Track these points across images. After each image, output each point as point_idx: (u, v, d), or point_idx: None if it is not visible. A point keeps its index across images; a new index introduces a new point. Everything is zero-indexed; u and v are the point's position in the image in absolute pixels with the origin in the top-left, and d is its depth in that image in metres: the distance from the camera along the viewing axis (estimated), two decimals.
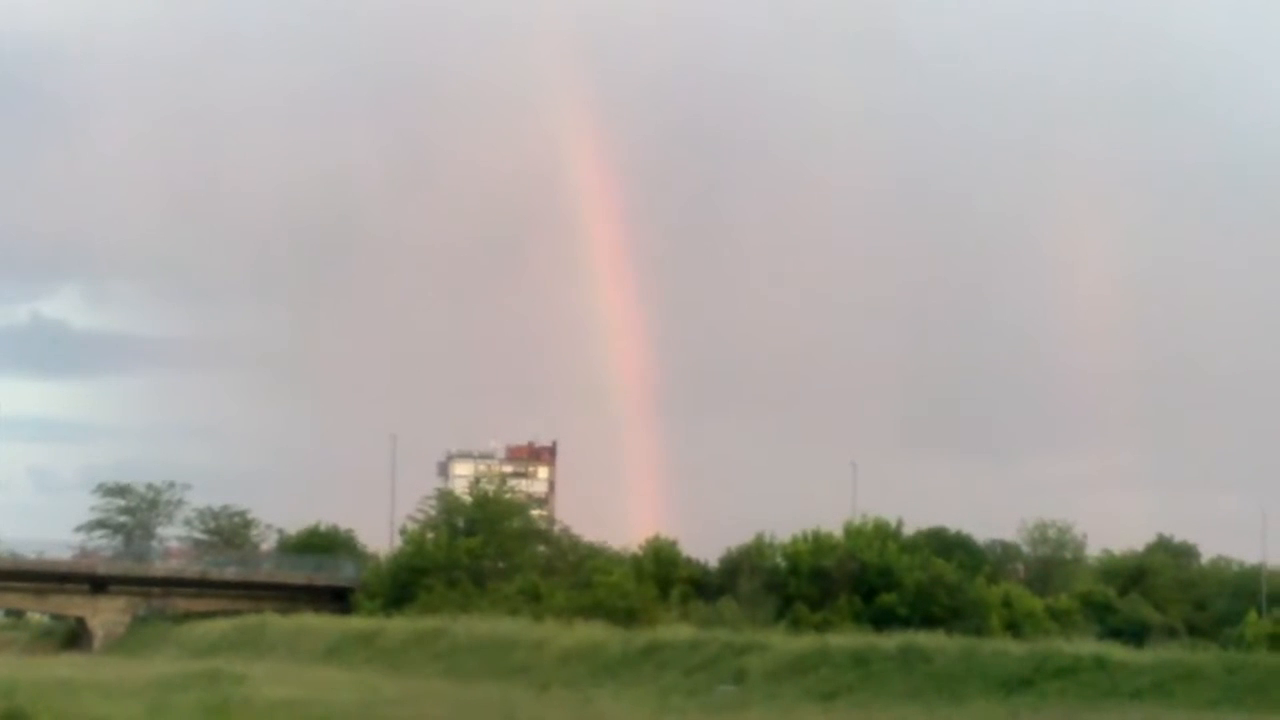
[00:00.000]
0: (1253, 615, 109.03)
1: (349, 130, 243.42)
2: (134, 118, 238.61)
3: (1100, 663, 56.28)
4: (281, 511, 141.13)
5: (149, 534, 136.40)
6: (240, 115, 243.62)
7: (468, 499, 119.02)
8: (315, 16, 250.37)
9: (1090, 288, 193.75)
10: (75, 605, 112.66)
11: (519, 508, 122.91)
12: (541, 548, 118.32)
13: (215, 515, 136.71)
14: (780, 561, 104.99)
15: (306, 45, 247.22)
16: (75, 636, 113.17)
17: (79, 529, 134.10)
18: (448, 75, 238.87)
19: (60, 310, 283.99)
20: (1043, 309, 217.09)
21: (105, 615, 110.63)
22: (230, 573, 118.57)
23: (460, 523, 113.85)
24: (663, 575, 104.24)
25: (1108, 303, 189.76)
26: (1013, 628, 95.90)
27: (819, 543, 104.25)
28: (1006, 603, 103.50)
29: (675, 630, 76.04)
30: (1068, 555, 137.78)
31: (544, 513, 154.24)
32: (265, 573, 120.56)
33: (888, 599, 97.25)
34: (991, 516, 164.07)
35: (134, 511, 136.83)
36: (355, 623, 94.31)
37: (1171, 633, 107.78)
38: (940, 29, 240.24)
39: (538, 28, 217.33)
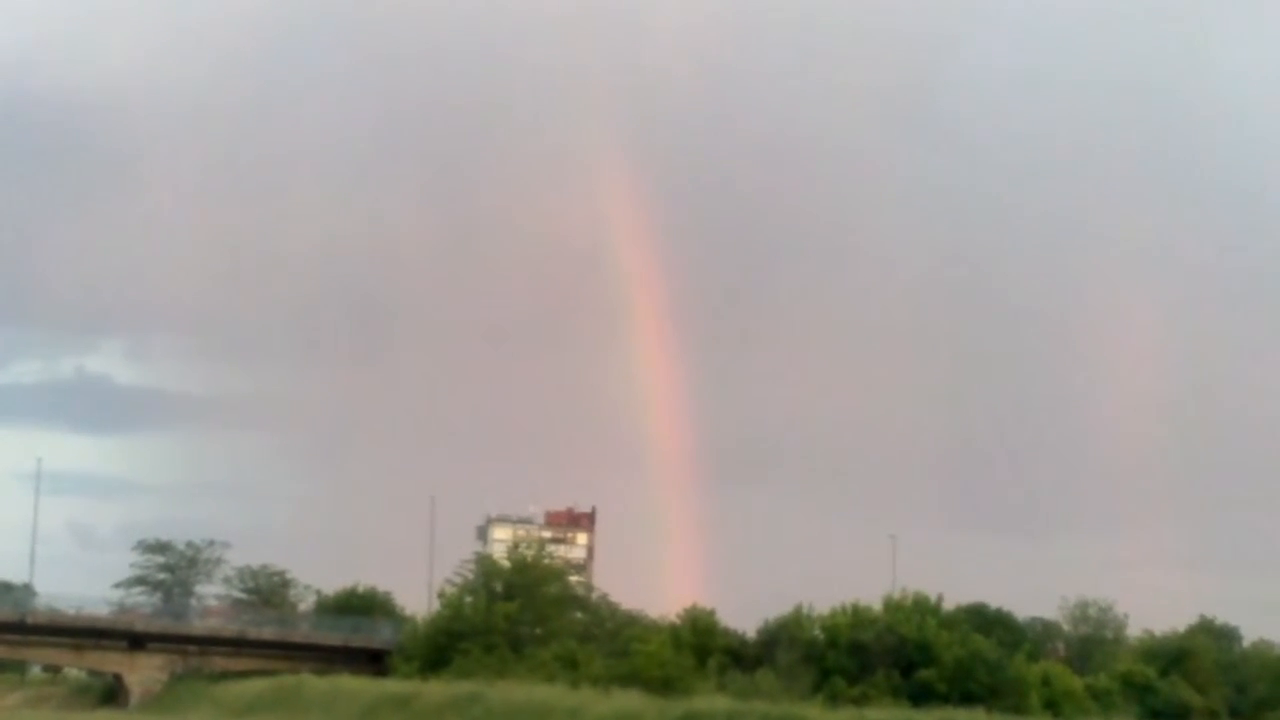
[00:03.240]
0: None
1: (394, 193, 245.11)
2: (180, 175, 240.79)
3: None
4: (320, 572, 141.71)
5: (187, 592, 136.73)
6: (286, 176, 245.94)
7: (506, 563, 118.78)
8: (363, 82, 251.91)
9: (1132, 365, 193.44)
10: (112, 662, 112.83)
11: (557, 573, 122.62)
12: (579, 614, 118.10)
13: (254, 574, 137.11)
14: (818, 634, 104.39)
15: (354, 105, 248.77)
16: (112, 693, 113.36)
17: (118, 585, 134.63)
18: (494, 142, 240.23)
19: (104, 366, 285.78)
20: (1086, 387, 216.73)
21: (142, 672, 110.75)
22: (268, 632, 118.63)
23: (498, 587, 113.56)
24: (700, 645, 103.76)
25: (1149, 381, 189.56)
26: (1052, 706, 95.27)
27: (858, 616, 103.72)
28: (1046, 681, 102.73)
29: (711, 701, 75.75)
30: (1109, 634, 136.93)
31: (582, 579, 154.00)
32: (303, 633, 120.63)
33: (926, 674, 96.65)
34: (1032, 594, 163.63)
35: (173, 569, 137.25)
36: (391, 685, 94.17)
37: (1212, 716, 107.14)
38: (976, 90, 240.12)
39: (584, 99, 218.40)
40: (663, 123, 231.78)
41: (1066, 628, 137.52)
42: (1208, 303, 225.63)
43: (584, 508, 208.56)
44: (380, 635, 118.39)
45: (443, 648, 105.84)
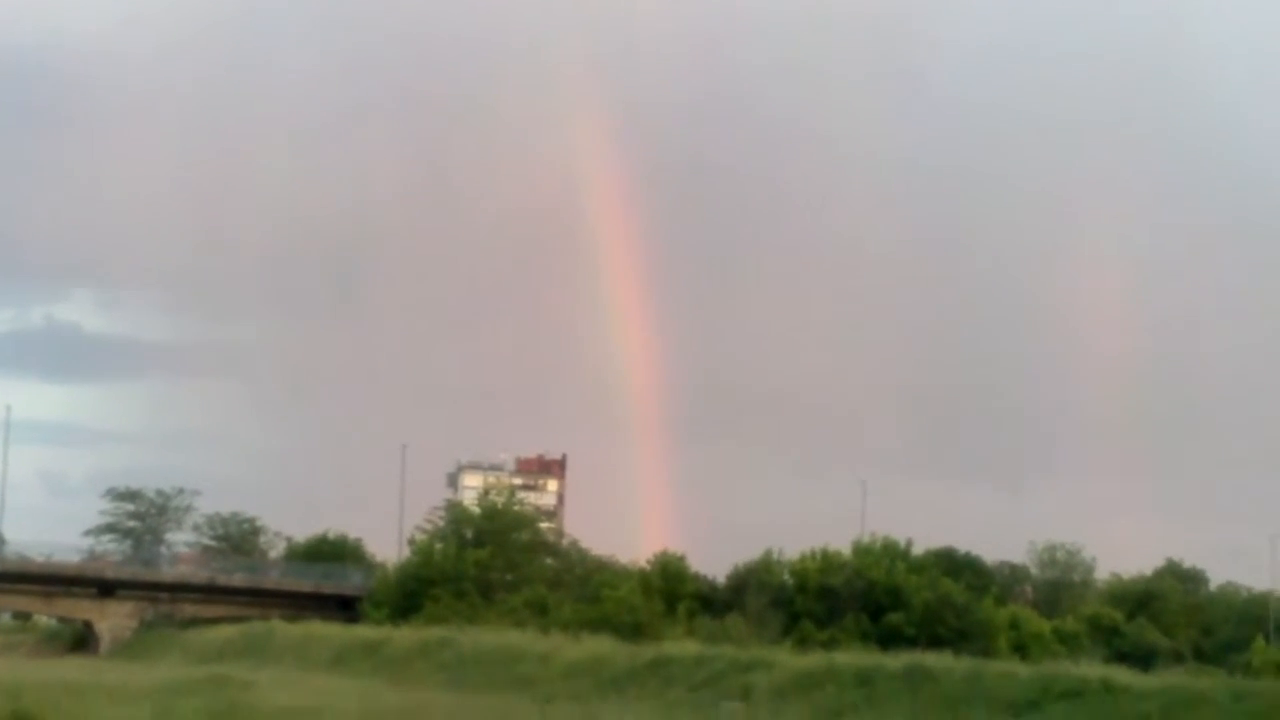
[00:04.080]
0: (1260, 642, 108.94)
1: (367, 146, 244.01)
2: (153, 128, 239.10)
3: (1107, 686, 56.10)
4: (290, 519, 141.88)
5: (158, 539, 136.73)
6: (260, 129, 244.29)
7: (476, 510, 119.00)
8: (339, 33, 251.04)
9: (1101, 315, 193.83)
10: (83, 609, 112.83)
11: (527, 520, 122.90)
12: (549, 560, 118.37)
13: (224, 522, 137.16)
14: (788, 579, 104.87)
15: (328, 62, 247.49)
16: (82, 640, 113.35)
17: (88, 533, 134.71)
18: (468, 96, 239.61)
19: (73, 314, 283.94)
20: (1057, 338, 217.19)
21: (112, 619, 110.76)
22: (238, 579, 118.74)
23: (469, 534, 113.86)
24: (670, 590, 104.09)
25: (1121, 333, 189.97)
26: (1020, 649, 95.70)
27: (827, 561, 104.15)
28: (1014, 624, 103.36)
29: (681, 646, 75.87)
30: (1076, 578, 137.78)
31: (552, 526, 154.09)
32: (273, 580, 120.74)
33: (895, 618, 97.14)
34: (1000, 539, 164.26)
35: (143, 517, 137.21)
36: (362, 631, 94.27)
37: (1178, 658, 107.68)
38: (954, 60, 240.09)
39: (558, 56, 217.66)
40: (641, 82, 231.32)
41: (1034, 572, 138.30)
42: (1180, 261, 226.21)
43: (555, 455, 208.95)
44: (351, 582, 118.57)
45: (413, 594, 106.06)
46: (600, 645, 76.52)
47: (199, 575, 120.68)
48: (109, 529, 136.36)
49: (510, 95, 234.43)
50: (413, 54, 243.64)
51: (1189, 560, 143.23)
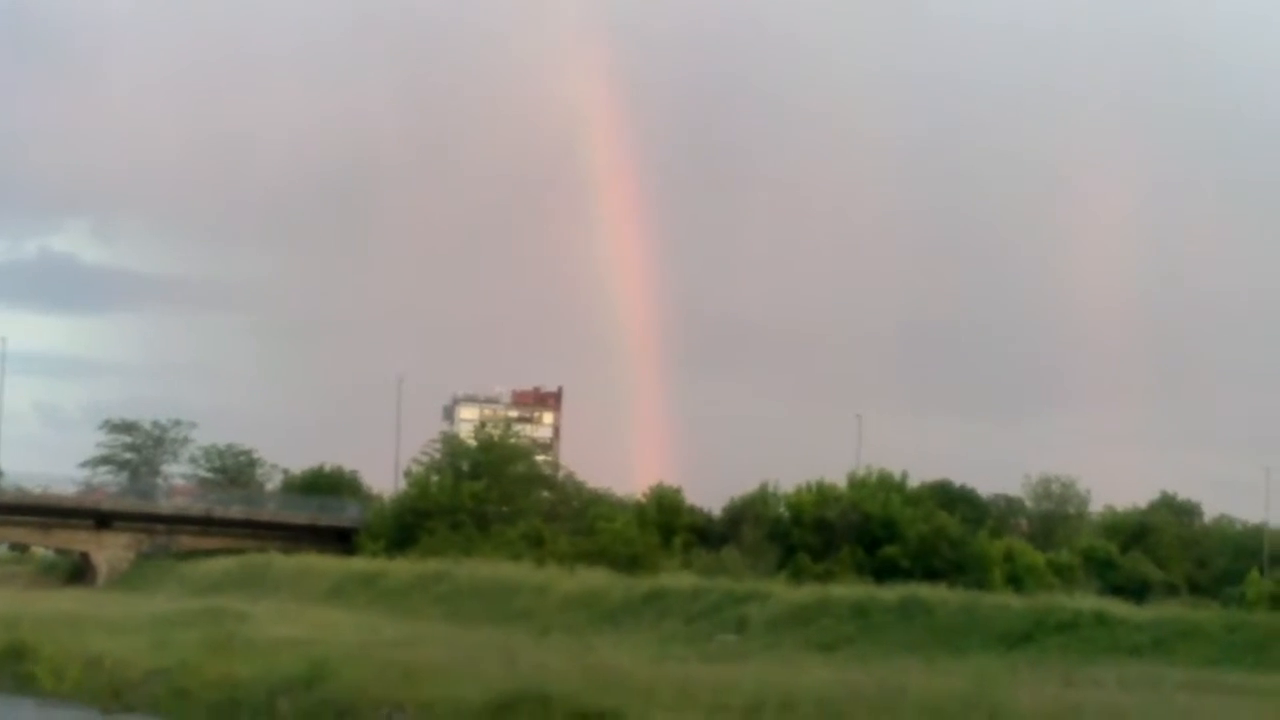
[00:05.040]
0: (1254, 574, 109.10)
1: (365, 77, 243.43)
2: (149, 58, 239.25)
3: (1101, 618, 56.35)
4: (286, 452, 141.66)
5: (154, 471, 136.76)
6: (257, 59, 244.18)
7: (472, 443, 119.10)
8: None
9: (1098, 247, 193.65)
10: (80, 541, 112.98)
11: (523, 452, 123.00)
12: (545, 493, 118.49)
13: (220, 454, 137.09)
14: (783, 512, 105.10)
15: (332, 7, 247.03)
16: (79, 572, 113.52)
17: (84, 465, 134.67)
18: (466, 28, 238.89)
19: (69, 245, 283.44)
20: (1053, 270, 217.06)
21: (109, 551, 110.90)
22: (235, 511, 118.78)
23: (464, 466, 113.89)
24: (666, 523, 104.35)
25: (1117, 265, 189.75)
26: (1014, 582, 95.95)
27: (822, 494, 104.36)
28: (1009, 557, 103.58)
29: (677, 578, 76.10)
30: (1071, 511, 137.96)
31: (548, 458, 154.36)
32: (270, 512, 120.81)
33: (890, 551, 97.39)
34: (996, 472, 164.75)
35: (140, 449, 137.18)
36: (358, 564, 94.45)
37: (1172, 590, 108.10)
38: None
39: None
40: (640, 13, 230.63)
41: (1029, 504, 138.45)
42: (1179, 188, 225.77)
43: (551, 388, 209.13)
44: (347, 514, 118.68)
45: (409, 526, 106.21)
46: (596, 577, 76.73)
47: (196, 507, 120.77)
48: (105, 461, 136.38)
49: (511, 29, 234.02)
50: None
51: (1184, 493, 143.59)
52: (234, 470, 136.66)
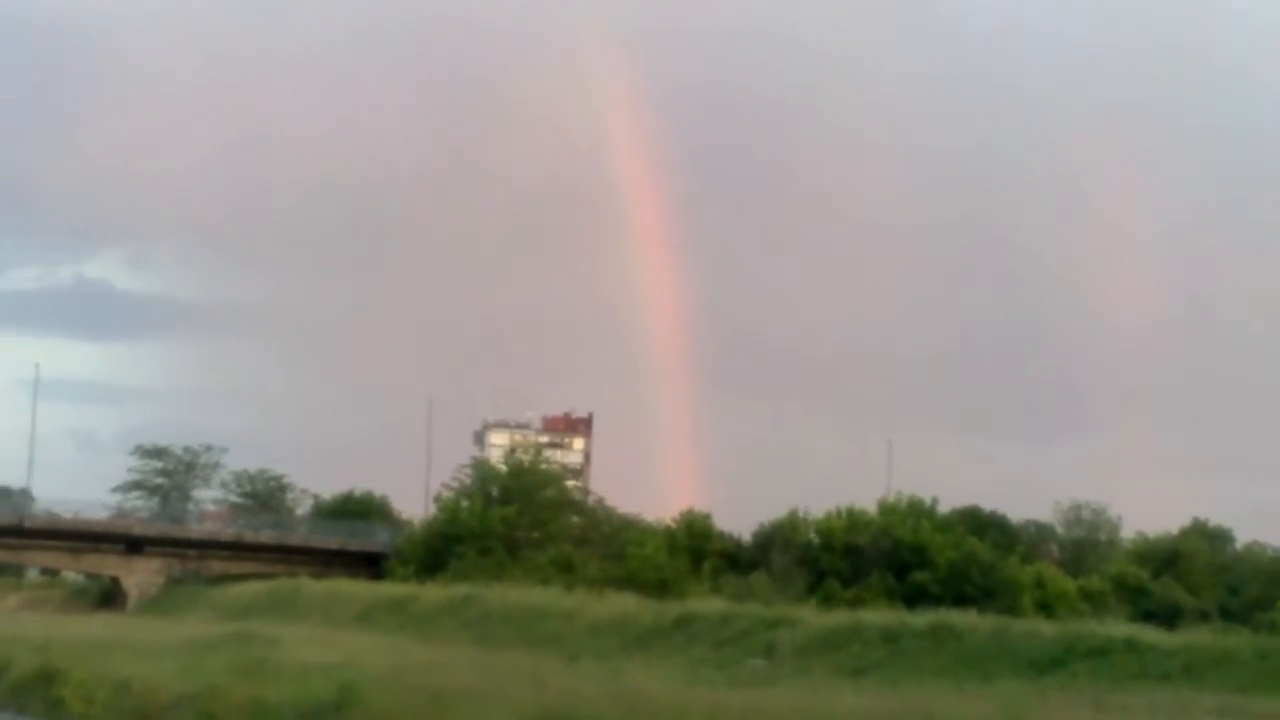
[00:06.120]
0: None
1: (392, 97, 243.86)
2: (180, 82, 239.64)
3: (1131, 645, 56.08)
4: (317, 477, 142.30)
5: (185, 496, 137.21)
6: (286, 82, 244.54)
7: (503, 468, 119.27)
8: None
9: (1131, 266, 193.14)
10: (110, 565, 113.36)
11: (554, 478, 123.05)
12: (575, 518, 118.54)
13: (251, 479, 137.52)
14: (813, 537, 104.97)
15: (353, 10, 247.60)
16: (109, 596, 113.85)
17: (116, 490, 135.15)
18: (492, 43, 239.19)
19: (103, 272, 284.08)
20: (1085, 293, 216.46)
21: (140, 576, 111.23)
22: (265, 536, 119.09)
23: (495, 492, 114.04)
24: (695, 548, 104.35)
25: (1148, 287, 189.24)
26: (1045, 608, 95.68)
27: (853, 519, 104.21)
28: (1039, 583, 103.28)
29: (706, 603, 75.96)
30: (1102, 537, 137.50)
31: (579, 484, 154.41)
32: (300, 537, 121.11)
33: (920, 577, 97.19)
34: (1026, 497, 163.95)
35: (171, 474, 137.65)
36: (388, 589, 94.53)
37: (1204, 616, 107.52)
38: None
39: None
40: (664, 24, 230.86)
41: (1060, 530, 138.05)
42: (1211, 208, 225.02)
43: (581, 413, 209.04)
44: (377, 539, 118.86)
45: (439, 551, 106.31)
46: (625, 603, 76.64)
47: (226, 532, 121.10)
48: (137, 486, 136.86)
49: (537, 42, 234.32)
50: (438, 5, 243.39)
51: (1216, 519, 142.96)
52: (264, 495, 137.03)
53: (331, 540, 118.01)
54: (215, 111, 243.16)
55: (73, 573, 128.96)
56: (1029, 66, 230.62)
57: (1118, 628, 61.03)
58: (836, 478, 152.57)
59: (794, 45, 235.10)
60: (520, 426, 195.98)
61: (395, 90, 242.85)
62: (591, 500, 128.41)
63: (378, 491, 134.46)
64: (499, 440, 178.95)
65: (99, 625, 79.71)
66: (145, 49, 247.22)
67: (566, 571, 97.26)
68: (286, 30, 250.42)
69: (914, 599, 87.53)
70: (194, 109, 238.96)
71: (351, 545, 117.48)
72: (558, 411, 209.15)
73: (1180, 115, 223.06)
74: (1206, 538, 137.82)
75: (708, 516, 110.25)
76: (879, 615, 68.47)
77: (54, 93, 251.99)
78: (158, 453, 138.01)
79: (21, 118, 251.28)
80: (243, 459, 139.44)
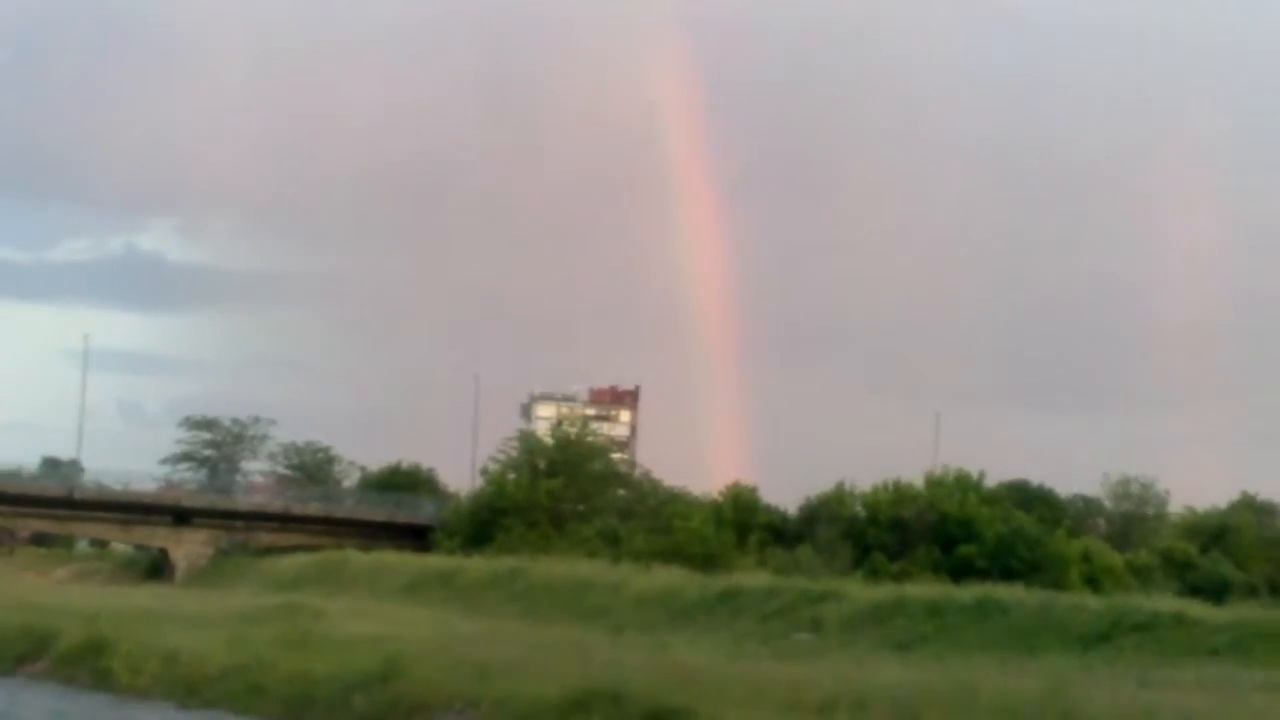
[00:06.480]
0: None
1: (445, 71, 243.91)
2: (235, 55, 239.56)
3: (1179, 619, 55.98)
4: (364, 449, 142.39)
5: (233, 468, 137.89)
6: (340, 56, 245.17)
7: (549, 441, 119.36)
8: None
9: (1183, 240, 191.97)
10: (159, 537, 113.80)
11: (600, 451, 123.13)
12: (621, 491, 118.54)
13: (299, 451, 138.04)
14: (860, 511, 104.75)
15: None
16: (158, 568, 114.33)
17: (164, 461, 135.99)
18: (547, 19, 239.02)
19: (156, 244, 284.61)
20: (1134, 262, 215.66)
21: (188, 547, 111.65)
22: (313, 508, 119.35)
23: (541, 464, 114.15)
24: (741, 522, 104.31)
25: (1199, 256, 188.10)
26: (1092, 582, 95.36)
27: (899, 493, 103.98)
28: (1086, 557, 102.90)
29: (752, 577, 76.13)
30: (1149, 511, 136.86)
31: (625, 456, 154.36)
32: (347, 509, 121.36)
33: (967, 551, 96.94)
34: (1074, 471, 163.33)
35: (219, 445, 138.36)
36: (434, 561, 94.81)
37: (1252, 591, 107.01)
38: None
39: None
40: (715, 12, 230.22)
41: (1108, 504, 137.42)
42: (1266, 181, 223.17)
43: (628, 385, 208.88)
44: (424, 511, 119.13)
45: (485, 524, 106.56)
46: (671, 576, 76.82)
47: (274, 504, 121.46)
48: (185, 458, 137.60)
49: (587, 19, 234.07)
50: None
51: (1265, 492, 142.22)
52: (312, 467, 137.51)
53: (378, 512, 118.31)
54: (269, 90, 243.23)
55: (121, 544, 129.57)
56: (1087, 54, 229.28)
57: (1165, 602, 60.88)
58: (883, 451, 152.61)
59: (848, 33, 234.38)
60: (567, 399, 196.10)
61: (449, 68, 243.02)
62: (638, 473, 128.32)
63: (424, 464, 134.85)
64: (545, 413, 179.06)
65: (147, 596, 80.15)
66: (202, 27, 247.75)
67: (612, 544, 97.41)
68: (340, 10, 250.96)
69: (960, 573, 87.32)
70: (248, 88, 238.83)
71: (398, 517, 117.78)
72: (604, 384, 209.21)
73: (1234, 96, 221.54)
74: (1255, 512, 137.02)
75: (754, 490, 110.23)
76: (925, 589, 68.48)
77: (110, 67, 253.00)
78: (206, 424, 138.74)
79: (78, 91, 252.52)
80: (291, 431, 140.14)
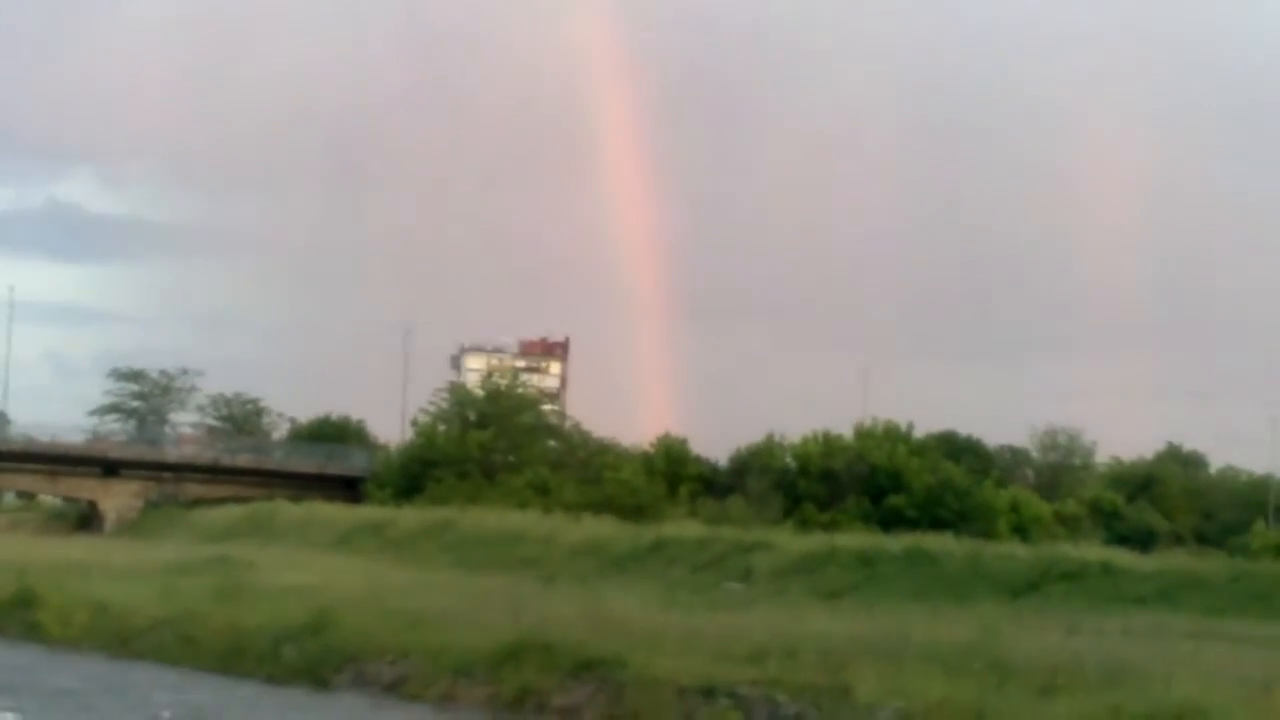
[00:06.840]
0: (1259, 525, 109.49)
1: (369, 22, 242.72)
2: (154, 3, 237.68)
3: (1106, 568, 56.51)
4: (294, 400, 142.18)
5: (162, 419, 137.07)
6: (260, 6, 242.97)
7: (479, 392, 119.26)
8: None
9: (1103, 192, 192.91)
10: (87, 489, 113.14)
11: (530, 402, 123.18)
12: (552, 442, 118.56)
13: (228, 402, 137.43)
14: (790, 462, 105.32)
15: None
16: (87, 520, 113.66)
17: (92, 413, 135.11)
18: None
19: (76, 194, 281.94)
20: (1056, 214, 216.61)
21: (117, 499, 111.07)
22: (242, 460, 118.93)
23: (471, 416, 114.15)
24: (672, 472, 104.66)
25: (1121, 208, 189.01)
26: (1020, 532, 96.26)
27: (829, 444, 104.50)
28: (1014, 507, 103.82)
29: (683, 527, 76.38)
30: (1077, 461, 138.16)
31: (555, 408, 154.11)
32: (277, 460, 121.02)
33: (896, 501, 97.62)
34: (1002, 422, 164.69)
35: (147, 397, 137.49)
36: (366, 512, 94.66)
37: (1178, 540, 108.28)
38: None
39: None
40: None
41: (1035, 455, 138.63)
42: (1188, 142, 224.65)
43: (558, 337, 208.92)
44: (355, 463, 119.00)
45: (416, 475, 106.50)
46: (602, 526, 76.99)
47: (203, 455, 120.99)
48: (113, 409, 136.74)
49: None
50: None
51: (1190, 444, 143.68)
52: (241, 419, 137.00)
53: (309, 464, 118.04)
54: (191, 33, 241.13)
55: (50, 496, 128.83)
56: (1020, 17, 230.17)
57: (1092, 551, 61.50)
58: (812, 403, 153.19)
59: None
60: (497, 351, 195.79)
61: (371, 18, 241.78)
62: (568, 424, 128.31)
63: (354, 415, 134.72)
64: (475, 364, 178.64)
65: (77, 549, 79.61)
66: None
67: (543, 495, 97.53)
68: None
69: (890, 523, 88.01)
70: (169, 30, 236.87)
71: (329, 469, 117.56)
72: (534, 336, 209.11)
73: (1175, 52, 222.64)
74: (1181, 462, 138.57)
75: (684, 441, 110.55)
76: (855, 539, 68.89)
77: (28, 10, 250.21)
78: (134, 376, 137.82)
79: None
80: (219, 382, 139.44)
